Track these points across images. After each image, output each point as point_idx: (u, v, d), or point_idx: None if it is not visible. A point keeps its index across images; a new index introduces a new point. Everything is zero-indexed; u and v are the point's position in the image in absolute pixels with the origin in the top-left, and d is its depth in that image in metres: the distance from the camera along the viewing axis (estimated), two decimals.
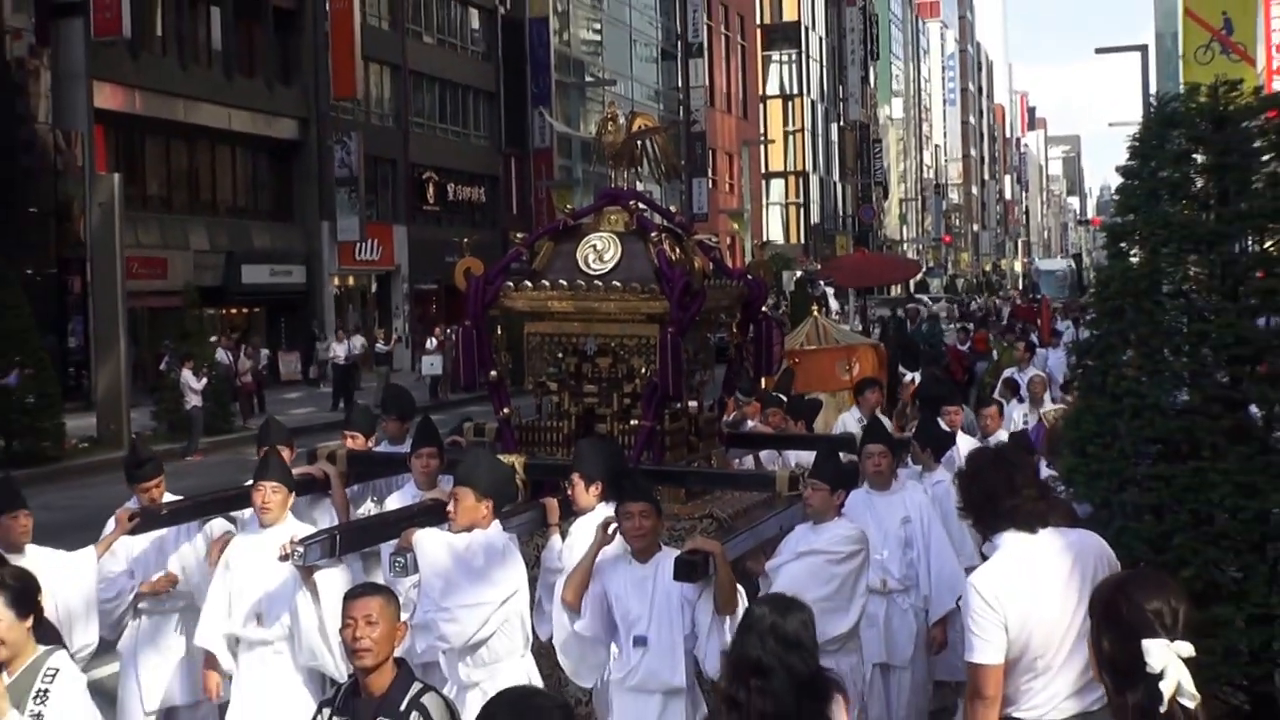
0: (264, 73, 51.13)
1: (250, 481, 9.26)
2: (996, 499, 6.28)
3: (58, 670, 6.32)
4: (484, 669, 8.16)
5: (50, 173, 40.69)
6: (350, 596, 6.33)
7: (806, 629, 5.83)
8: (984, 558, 6.47)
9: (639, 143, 11.22)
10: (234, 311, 49.39)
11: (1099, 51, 49.81)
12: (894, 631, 9.98)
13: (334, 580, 8.30)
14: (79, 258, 40.26)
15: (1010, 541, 6.22)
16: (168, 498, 9.81)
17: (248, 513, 9.37)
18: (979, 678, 6.05)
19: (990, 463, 6.66)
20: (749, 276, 11.65)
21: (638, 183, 11.63)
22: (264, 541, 8.82)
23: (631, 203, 10.93)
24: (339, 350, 42.17)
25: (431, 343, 44.12)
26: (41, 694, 6.22)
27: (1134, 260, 8.47)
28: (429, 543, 8.31)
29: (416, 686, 6.09)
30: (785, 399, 14.20)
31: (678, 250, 10.63)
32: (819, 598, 8.22)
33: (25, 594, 6.37)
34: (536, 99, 67.29)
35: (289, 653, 8.72)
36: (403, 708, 5.95)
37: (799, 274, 69.11)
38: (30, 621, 6.35)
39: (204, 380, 31.46)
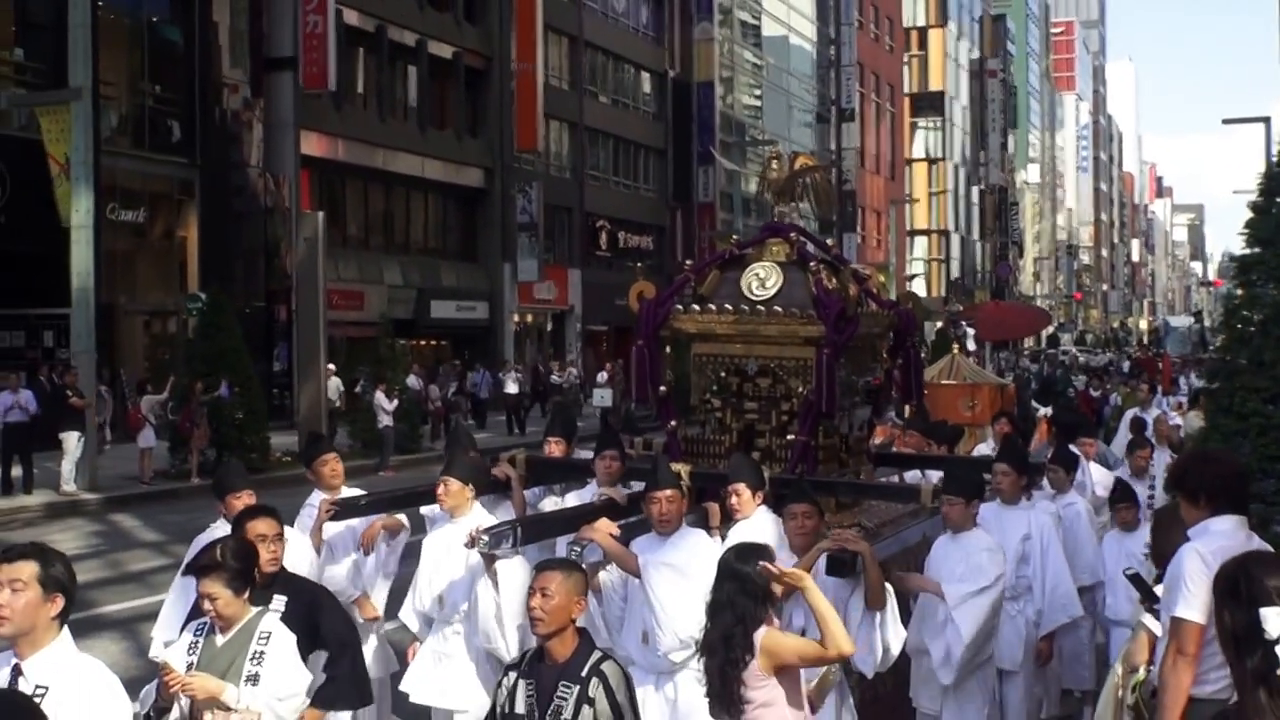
0: (454, 126, 51.75)
1: None
2: (1233, 483, 6.41)
3: (271, 633, 6.43)
4: (687, 651, 8.09)
5: (260, 214, 41.46)
6: (538, 569, 6.41)
7: (754, 573, 6.41)
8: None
9: (800, 180, 11.22)
10: (423, 343, 49.87)
11: (1225, 122, 49.24)
12: (1003, 636, 9.82)
13: (514, 570, 8.39)
14: (284, 289, 40.91)
15: (1226, 526, 6.27)
16: (347, 491, 9.97)
17: (437, 509, 9.45)
18: (1183, 633, 6.06)
19: (1227, 454, 6.72)
20: (899, 307, 11.58)
21: (798, 218, 11.60)
22: (452, 532, 8.95)
23: (792, 235, 10.89)
24: (511, 382, 42.61)
25: (602, 377, 44.29)
26: (258, 655, 6.32)
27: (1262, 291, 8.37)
28: (642, 546, 8.36)
29: (597, 655, 6.13)
30: (927, 424, 14.10)
31: (834, 280, 10.60)
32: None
33: (243, 572, 6.48)
34: (702, 157, 67.46)
35: (465, 633, 8.87)
36: (584, 673, 5.99)
37: (939, 324, 68.53)
38: (247, 594, 6.47)
39: (395, 403, 31.90)
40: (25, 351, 34.15)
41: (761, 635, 6.33)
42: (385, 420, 31.67)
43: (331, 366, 35.96)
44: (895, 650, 7.95)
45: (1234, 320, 8.48)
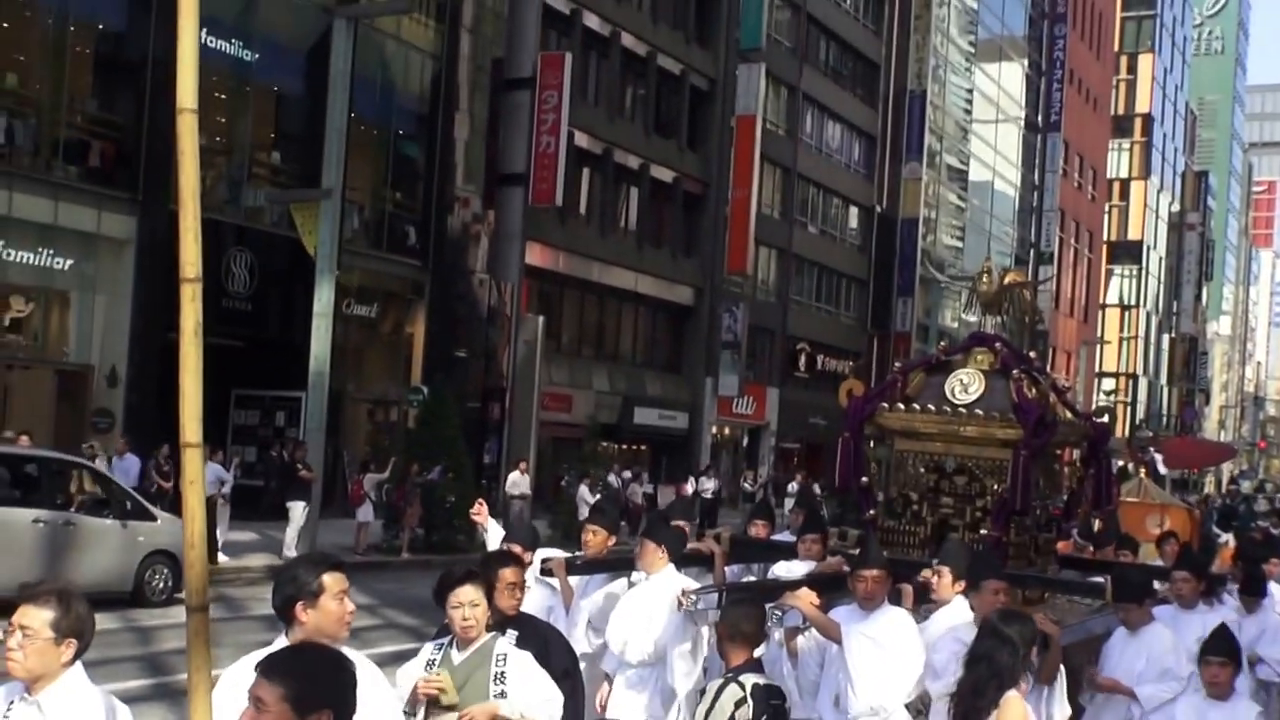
0: (669, 246, 52.38)
1: None
2: None
3: (507, 654, 6.65)
4: (876, 718, 8.29)
5: (482, 318, 42.28)
6: None
7: (1020, 636, 6.55)
8: None
9: (1007, 294, 11.40)
10: (624, 446, 50.28)
11: None
12: None
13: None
14: (499, 389, 41.78)
15: None
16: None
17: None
18: None
19: None
20: (1095, 419, 11.65)
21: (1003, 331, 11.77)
22: (646, 587, 9.41)
23: (997, 345, 11.06)
24: (709, 485, 43.14)
25: (793, 487, 44.53)
26: (499, 676, 6.54)
27: None
28: (844, 616, 8.56)
29: (737, 674, 6.85)
30: (1119, 535, 14.06)
31: (1034, 389, 10.72)
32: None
33: (491, 586, 6.82)
34: (901, 289, 67.63)
35: (646, 672, 9.26)
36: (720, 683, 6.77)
37: (1120, 462, 67.50)
38: (489, 615, 6.74)
39: (597, 496, 32.29)
40: (258, 430, 35.22)
41: (1009, 696, 6.47)
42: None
43: (523, 464, 36.49)
44: None
45: None
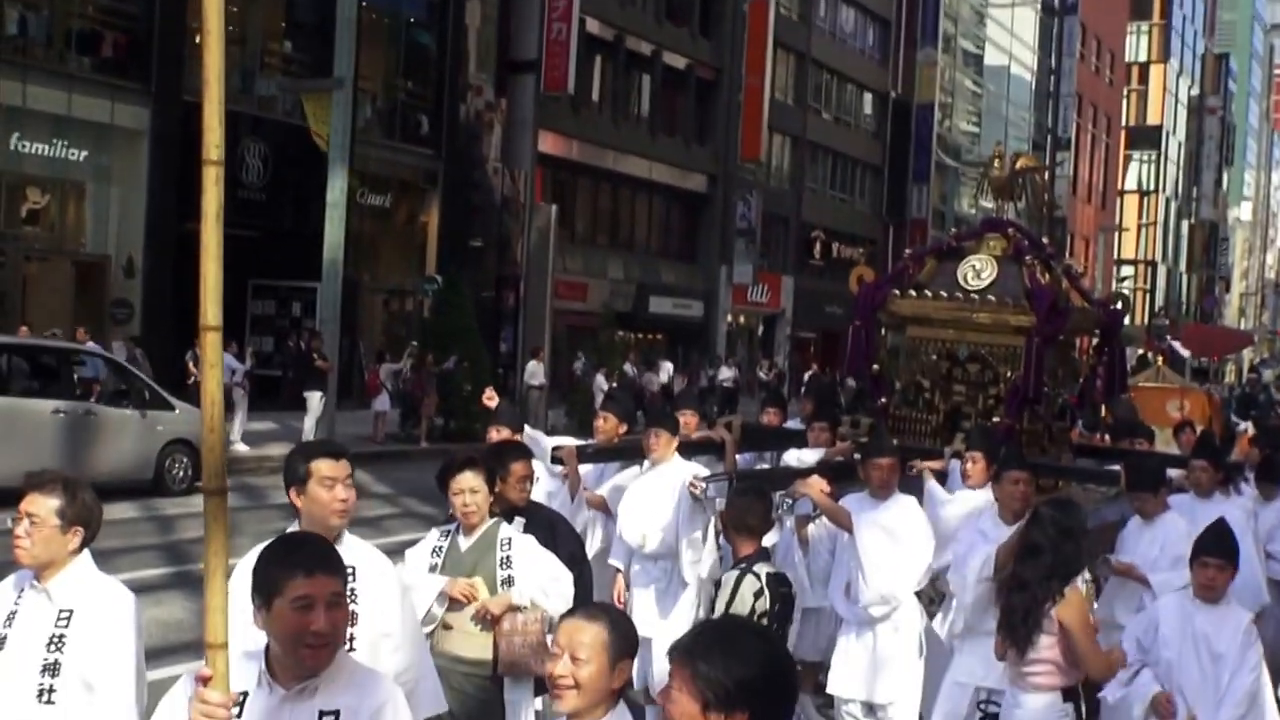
0: (682, 133, 52.09)
1: None
2: None
3: (511, 539, 6.77)
4: (887, 606, 8.38)
5: (495, 206, 42.14)
6: None
7: (1079, 526, 6.72)
8: None
9: (1020, 179, 11.34)
10: (640, 336, 50.31)
11: None
12: None
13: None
14: (513, 277, 41.69)
15: None
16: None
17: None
18: None
19: None
20: (1109, 305, 11.63)
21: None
22: (654, 476, 9.41)
23: (1010, 230, 11.03)
24: (727, 373, 43.30)
25: (807, 376, 44.70)
26: (505, 560, 6.66)
27: None
28: (855, 505, 8.59)
29: (749, 564, 7.02)
30: (1134, 420, 14.05)
31: (1047, 275, 10.71)
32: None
33: (491, 474, 6.85)
34: (917, 176, 67.25)
35: (667, 564, 9.26)
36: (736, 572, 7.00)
37: (1140, 351, 67.41)
38: (491, 501, 6.82)
39: (613, 385, 32.39)
40: (275, 320, 35.31)
41: (1074, 588, 6.55)
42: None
43: (540, 353, 36.70)
44: None
45: None
